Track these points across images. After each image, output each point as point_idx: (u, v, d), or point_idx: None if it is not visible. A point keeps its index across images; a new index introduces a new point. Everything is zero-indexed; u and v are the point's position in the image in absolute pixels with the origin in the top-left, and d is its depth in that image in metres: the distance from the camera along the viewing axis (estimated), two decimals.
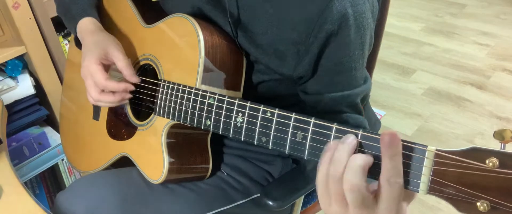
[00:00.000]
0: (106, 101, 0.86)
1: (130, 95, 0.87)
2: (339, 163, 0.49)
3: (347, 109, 0.78)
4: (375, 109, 1.09)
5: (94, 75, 0.83)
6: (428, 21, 2.95)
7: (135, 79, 0.85)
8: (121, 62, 0.84)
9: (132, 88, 0.86)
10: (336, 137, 0.54)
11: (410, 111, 2.19)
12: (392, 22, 2.92)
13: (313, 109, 0.79)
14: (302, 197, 0.97)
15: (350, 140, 0.51)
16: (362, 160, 0.48)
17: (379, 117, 1.01)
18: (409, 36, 2.80)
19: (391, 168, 0.47)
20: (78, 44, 0.94)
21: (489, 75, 2.39)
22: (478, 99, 2.22)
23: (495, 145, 0.44)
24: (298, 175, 0.92)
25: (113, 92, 0.85)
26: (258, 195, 0.93)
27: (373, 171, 0.50)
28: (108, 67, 0.87)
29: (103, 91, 0.85)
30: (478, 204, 0.43)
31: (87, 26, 0.91)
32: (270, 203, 0.85)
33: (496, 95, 2.24)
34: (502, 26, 2.83)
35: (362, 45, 0.73)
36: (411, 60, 2.57)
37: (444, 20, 2.96)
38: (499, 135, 0.44)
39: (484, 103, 2.19)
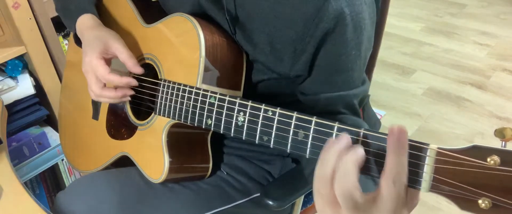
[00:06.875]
0: (108, 97, 0.85)
1: (132, 91, 0.86)
2: (326, 166, 0.48)
3: (344, 110, 0.78)
4: (375, 109, 1.09)
5: (97, 69, 0.83)
6: (428, 21, 2.95)
7: (139, 70, 0.83)
8: (123, 54, 0.83)
9: (135, 82, 0.85)
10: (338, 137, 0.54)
11: (410, 111, 2.19)
12: (392, 22, 2.92)
13: (311, 110, 0.79)
14: (302, 197, 0.97)
15: (342, 141, 0.50)
16: (352, 162, 0.47)
17: (379, 117, 1.01)
18: (409, 36, 2.80)
19: (396, 165, 0.45)
20: (77, 41, 0.94)
21: (489, 75, 2.39)
22: (478, 99, 2.23)
23: (496, 145, 0.44)
24: (298, 174, 0.92)
25: (115, 88, 0.85)
26: (258, 194, 0.93)
27: (374, 170, 0.50)
28: (109, 61, 0.86)
29: (105, 86, 0.84)
30: (480, 201, 0.43)
31: (86, 22, 0.91)
32: (270, 202, 0.85)
33: (496, 95, 2.24)
34: (502, 26, 2.83)
35: (359, 45, 0.72)
36: (411, 60, 2.58)
37: (444, 20, 2.96)
38: (500, 133, 0.44)
39: (484, 103, 2.19)
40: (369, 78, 1.06)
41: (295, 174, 0.93)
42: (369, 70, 1.05)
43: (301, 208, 1.04)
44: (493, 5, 3.08)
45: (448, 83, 2.36)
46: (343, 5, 0.68)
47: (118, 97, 0.85)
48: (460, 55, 2.58)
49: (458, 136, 2.01)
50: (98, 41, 0.85)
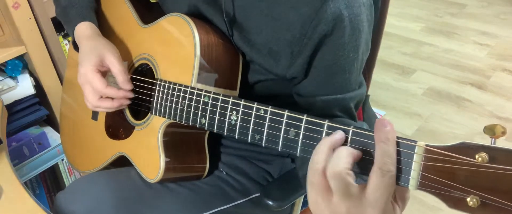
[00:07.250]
0: (105, 107, 0.86)
1: (128, 101, 0.88)
2: (319, 154, 0.49)
3: (340, 113, 0.78)
4: (375, 109, 1.09)
5: (93, 83, 0.84)
6: (428, 21, 2.94)
7: (128, 86, 0.85)
8: (116, 68, 0.84)
9: (132, 95, 0.87)
10: (328, 134, 0.54)
11: (410, 111, 2.18)
12: (392, 22, 2.91)
13: (307, 112, 0.79)
14: (302, 197, 0.97)
15: (336, 135, 0.51)
16: (347, 149, 0.48)
17: (379, 117, 1.01)
18: (409, 36, 2.79)
19: (383, 155, 0.46)
20: (76, 47, 0.94)
21: (489, 75, 2.38)
22: (478, 99, 2.22)
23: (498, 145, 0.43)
24: (298, 175, 0.92)
25: (112, 98, 0.86)
26: (258, 194, 0.93)
27: (364, 167, 0.50)
28: (105, 73, 0.87)
29: (101, 97, 0.85)
30: (468, 199, 0.43)
31: (84, 31, 0.92)
32: (270, 203, 0.85)
33: (496, 95, 2.24)
34: (502, 26, 2.82)
35: (357, 48, 0.72)
36: (411, 60, 2.57)
37: (444, 20, 2.95)
38: (490, 130, 0.44)
39: (484, 103, 2.19)
40: (369, 78, 1.06)
41: (295, 174, 0.93)
42: (369, 70, 1.05)
43: (301, 208, 1.03)
44: (493, 5, 3.07)
45: (448, 83, 2.35)
46: (342, 7, 0.68)
47: (115, 107, 0.87)
48: (460, 55, 2.57)
49: (458, 136, 2.00)
50: (94, 52, 0.85)
